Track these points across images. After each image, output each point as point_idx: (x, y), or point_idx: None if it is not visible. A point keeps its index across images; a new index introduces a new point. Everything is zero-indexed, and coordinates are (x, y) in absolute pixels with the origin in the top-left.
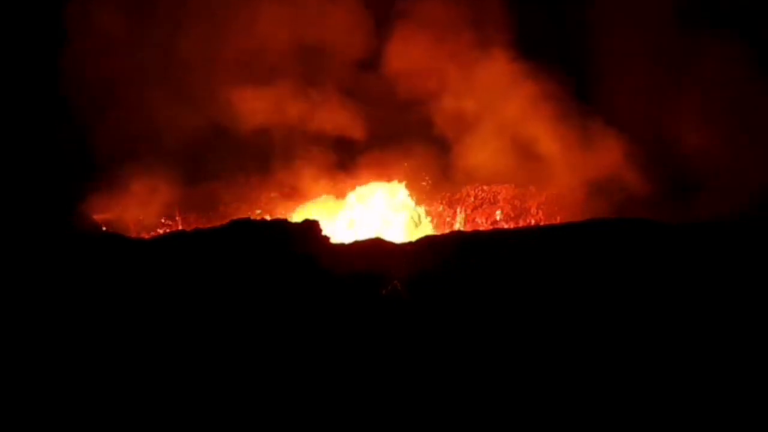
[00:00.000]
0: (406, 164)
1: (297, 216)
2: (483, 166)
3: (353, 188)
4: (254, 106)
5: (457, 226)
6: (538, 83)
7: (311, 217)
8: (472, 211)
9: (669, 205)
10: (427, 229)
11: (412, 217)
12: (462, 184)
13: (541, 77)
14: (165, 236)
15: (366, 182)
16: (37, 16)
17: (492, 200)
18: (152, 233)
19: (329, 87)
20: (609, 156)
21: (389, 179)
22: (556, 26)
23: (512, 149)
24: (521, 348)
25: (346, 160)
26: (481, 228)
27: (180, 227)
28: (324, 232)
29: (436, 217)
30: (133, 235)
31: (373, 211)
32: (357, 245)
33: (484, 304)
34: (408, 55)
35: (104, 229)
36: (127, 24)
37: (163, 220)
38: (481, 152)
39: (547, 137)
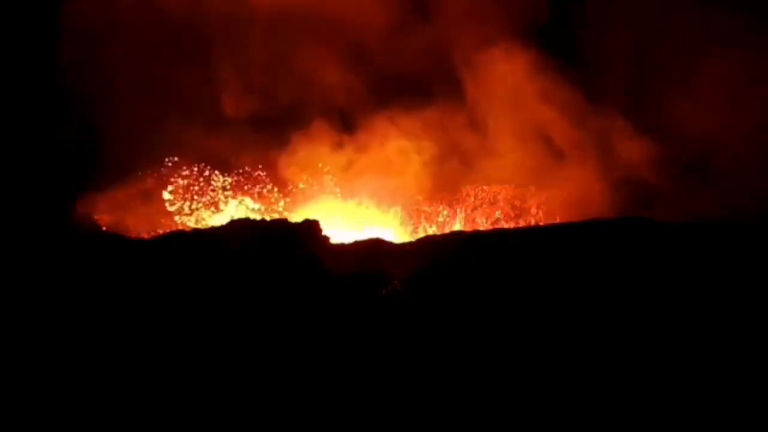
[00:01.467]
0: (409, 161)
1: (297, 216)
2: (492, 164)
3: (354, 187)
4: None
5: (457, 226)
6: (549, 79)
7: (311, 217)
8: (472, 211)
9: (677, 202)
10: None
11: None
12: (462, 184)
13: (552, 73)
14: (165, 236)
15: (367, 181)
16: (38, 17)
17: (492, 200)
18: (152, 233)
19: (333, 76)
20: (624, 153)
21: (390, 177)
22: (565, 21)
23: (520, 147)
24: (521, 347)
25: (349, 156)
26: (481, 228)
27: (180, 227)
28: (324, 232)
29: (435, 217)
30: (133, 235)
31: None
32: (357, 245)
33: (484, 303)
34: (419, 49)
35: (104, 229)
36: (126, 23)
37: (163, 220)
38: (491, 149)
39: (561, 134)
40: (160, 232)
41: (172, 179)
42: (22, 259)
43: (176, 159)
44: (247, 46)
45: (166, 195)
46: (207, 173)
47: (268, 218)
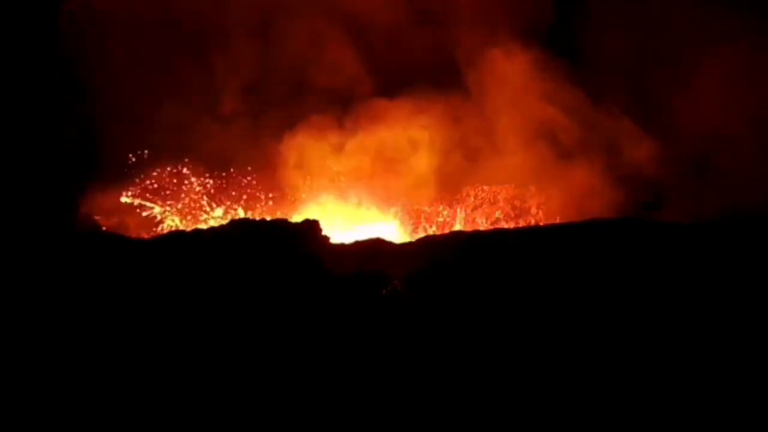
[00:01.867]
0: (412, 162)
1: (297, 216)
2: (493, 164)
3: (354, 187)
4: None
5: (457, 226)
6: (549, 79)
7: (311, 217)
8: (472, 211)
9: (677, 202)
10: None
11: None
12: (462, 184)
13: (554, 73)
14: (165, 236)
15: (368, 181)
16: (38, 17)
17: (492, 200)
18: (152, 233)
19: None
20: (625, 153)
21: (391, 177)
22: (566, 22)
23: (522, 147)
24: (521, 347)
25: (349, 155)
26: (481, 228)
27: (181, 227)
28: (324, 232)
29: (435, 217)
30: (134, 235)
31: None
32: (357, 245)
33: (484, 303)
34: (422, 49)
35: (104, 229)
36: (128, 23)
37: (163, 223)
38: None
39: (562, 134)
40: (160, 232)
41: (138, 180)
42: (22, 259)
43: (146, 152)
44: (246, 40)
45: (124, 199)
46: (185, 171)
47: (268, 218)
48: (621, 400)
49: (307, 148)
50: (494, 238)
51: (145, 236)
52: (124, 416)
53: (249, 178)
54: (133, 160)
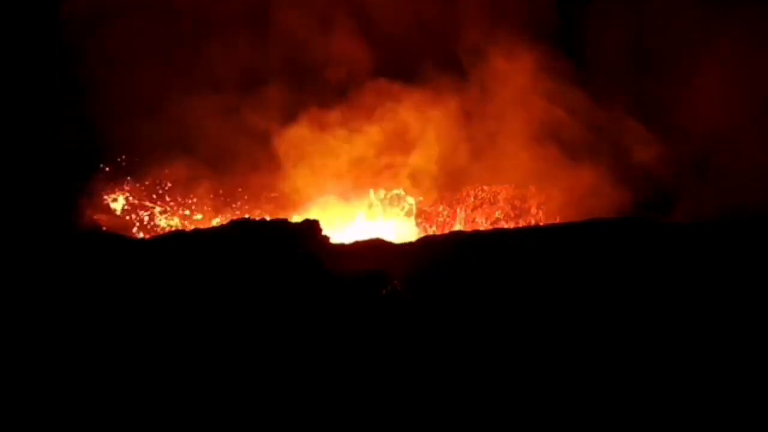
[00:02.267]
0: (413, 161)
1: (297, 216)
2: (494, 164)
3: (354, 187)
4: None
5: (457, 226)
6: (549, 79)
7: (311, 216)
8: (472, 211)
9: (677, 202)
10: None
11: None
12: (462, 184)
13: (554, 73)
14: (165, 236)
15: (367, 181)
16: (37, 15)
17: (492, 200)
18: (152, 233)
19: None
20: (626, 153)
21: (392, 176)
22: (568, 19)
23: (522, 147)
24: (521, 347)
25: (349, 154)
26: (481, 228)
27: (181, 227)
28: (324, 232)
29: (435, 217)
30: (133, 235)
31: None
32: (357, 245)
33: (484, 303)
34: (424, 48)
35: (104, 229)
36: (129, 23)
37: (163, 220)
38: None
39: (563, 134)
40: (160, 232)
41: (139, 180)
42: (22, 260)
43: (146, 152)
44: (245, 32)
45: (117, 202)
46: (166, 184)
47: (268, 218)
48: (621, 400)
49: (308, 145)
50: (494, 238)
51: (145, 236)
52: (124, 416)
53: (245, 192)
54: (134, 159)
